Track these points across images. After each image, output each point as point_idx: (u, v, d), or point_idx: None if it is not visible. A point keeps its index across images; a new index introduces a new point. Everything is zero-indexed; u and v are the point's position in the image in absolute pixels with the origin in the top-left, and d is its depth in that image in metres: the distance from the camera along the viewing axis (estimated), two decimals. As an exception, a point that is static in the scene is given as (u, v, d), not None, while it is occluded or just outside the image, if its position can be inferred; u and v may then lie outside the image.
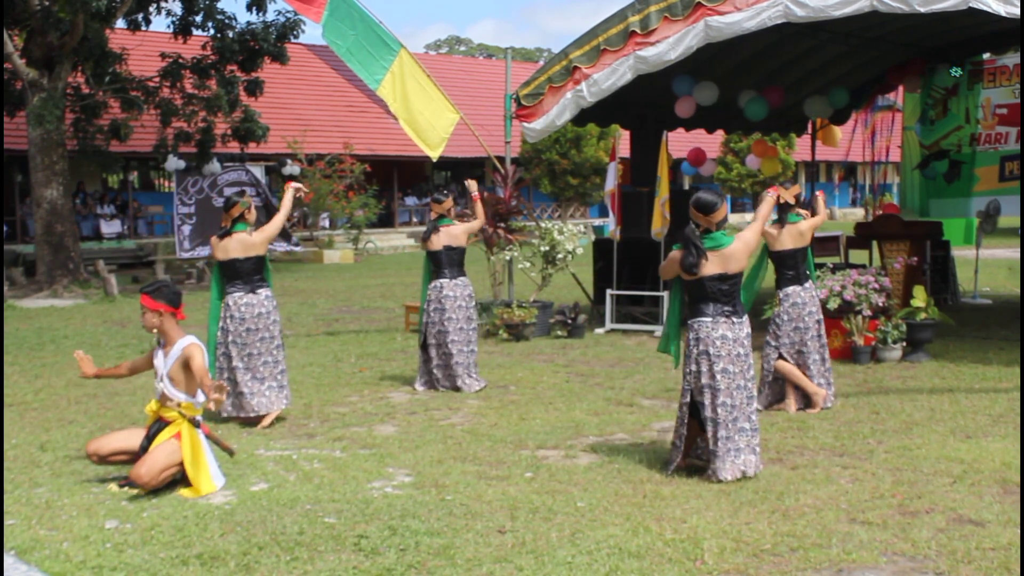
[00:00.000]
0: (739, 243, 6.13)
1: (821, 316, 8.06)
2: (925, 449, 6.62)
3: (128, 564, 4.76)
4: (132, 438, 6.14)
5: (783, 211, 7.94)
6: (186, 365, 5.97)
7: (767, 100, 14.27)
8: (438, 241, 9.03)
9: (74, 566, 4.75)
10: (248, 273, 7.84)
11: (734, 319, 6.10)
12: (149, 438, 6.05)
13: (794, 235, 7.91)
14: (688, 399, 6.16)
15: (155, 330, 6.07)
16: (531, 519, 5.31)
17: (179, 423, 6.01)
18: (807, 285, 7.99)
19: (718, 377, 6.03)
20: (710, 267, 6.04)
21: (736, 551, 4.83)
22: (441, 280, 9.03)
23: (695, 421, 6.19)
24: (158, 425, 6.08)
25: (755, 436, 6.14)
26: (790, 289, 7.94)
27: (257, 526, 5.25)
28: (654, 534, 5.06)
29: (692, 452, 6.33)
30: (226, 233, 7.84)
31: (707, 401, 6.07)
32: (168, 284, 6.22)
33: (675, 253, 6.15)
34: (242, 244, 7.82)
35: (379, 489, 5.92)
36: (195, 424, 6.04)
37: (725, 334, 6.05)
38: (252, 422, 7.70)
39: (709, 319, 6.06)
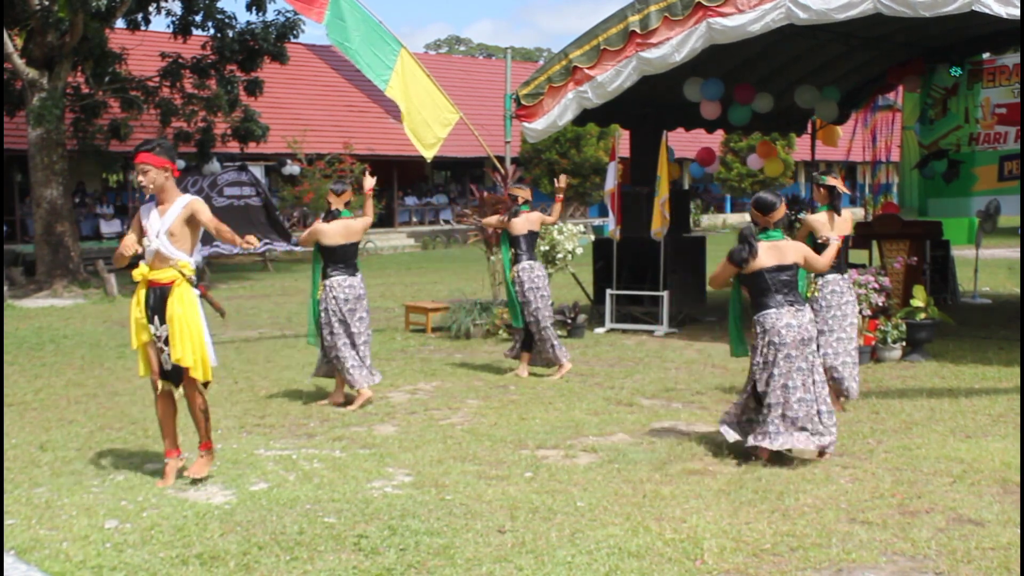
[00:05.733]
0: (792, 242, 6.59)
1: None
2: (925, 449, 6.63)
3: (128, 564, 4.76)
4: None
5: (836, 199, 7.89)
6: (189, 221, 5.92)
7: (742, 102, 14.28)
8: (522, 226, 9.53)
9: (74, 566, 4.75)
10: (350, 257, 8.37)
11: (796, 307, 6.44)
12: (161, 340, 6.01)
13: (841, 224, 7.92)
14: (751, 389, 6.52)
15: (158, 190, 5.94)
16: (531, 519, 5.31)
17: (179, 283, 5.94)
18: (845, 275, 8.07)
19: (781, 363, 6.36)
20: (768, 260, 6.36)
21: (736, 551, 4.84)
22: (530, 262, 9.55)
23: (757, 406, 6.53)
24: (154, 298, 5.97)
25: (808, 419, 6.35)
26: (830, 276, 7.91)
27: (257, 526, 5.25)
28: (654, 534, 5.06)
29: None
30: (332, 218, 8.25)
31: (769, 387, 6.38)
32: (164, 140, 6.16)
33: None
34: (346, 230, 8.29)
35: (379, 489, 5.92)
36: (192, 284, 5.98)
37: (790, 322, 6.38)
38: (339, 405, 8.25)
39: (773, 310, 6.38)
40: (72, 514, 5.49)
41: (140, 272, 6.01)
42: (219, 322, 6.24)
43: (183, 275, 5.95)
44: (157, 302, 5.98)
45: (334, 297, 8.25)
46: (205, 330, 6.02)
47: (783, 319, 6.35)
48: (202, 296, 6.05)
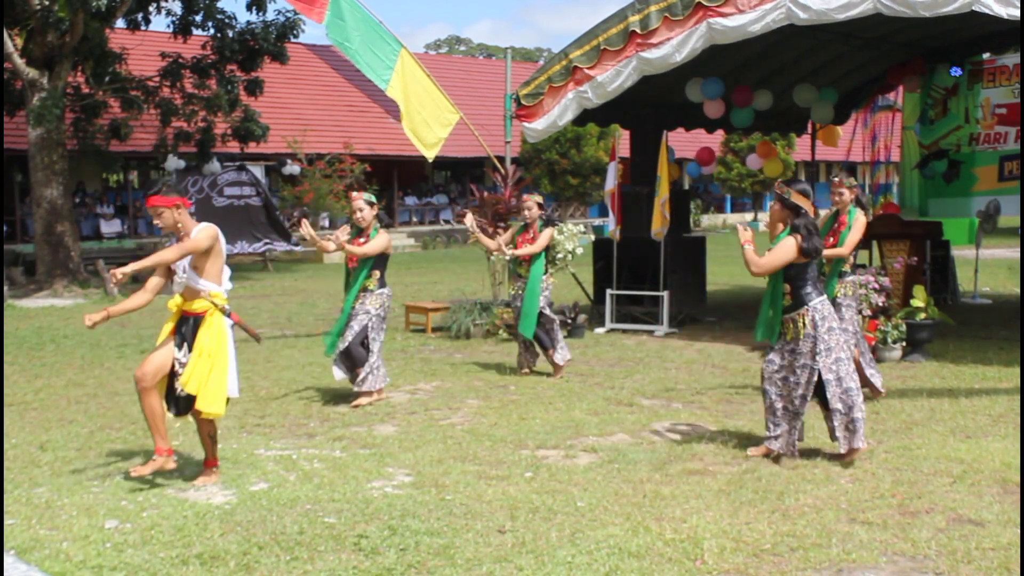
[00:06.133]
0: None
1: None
2: (925, 449, 6.63)
3: (128, 564, 4.76)
4: (169, 356, 6.05)
5: (863, 198, 8.20)
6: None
7: (741, 105, 14.28)
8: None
9: (74, 566, 4.75)
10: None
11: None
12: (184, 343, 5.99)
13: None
14: (816, 379, 6.27)
15: (174, 226, 5.98)
16: (531, 519, 5.32)
17: (211, 313, 5.96)
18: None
19: (846, 348, 6.36)
20: None
21: (736, 551, 4.84)
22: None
23: (816, 402, 6.44)
24: (187, 327, 5.99)
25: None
26: (856, 277, 8.29)
27: (257, 526, 5.25)
28: (654, 534, 5.06)
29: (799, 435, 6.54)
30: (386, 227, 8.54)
31: (842, 373, 6.30)
32: (167, 178, 6.19)
33: (789, 241, 6.19)
34: None
35: (379, 489, 5.92)
36: (225, 313, 6.01)
37: (831, 309, 6.41)
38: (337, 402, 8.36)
39: (824, 297, 6.37)
40: (72, 514, 5.49)
41: (174, 302, 6.08)
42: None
43: (215, 305, 5.99)
44: (190, 330, 6.00)
45: (387, 306, 8.56)
46: (231, 364, 6.01)
47: (829, 306, 6.36)
48: (236, 323, 6.08)
